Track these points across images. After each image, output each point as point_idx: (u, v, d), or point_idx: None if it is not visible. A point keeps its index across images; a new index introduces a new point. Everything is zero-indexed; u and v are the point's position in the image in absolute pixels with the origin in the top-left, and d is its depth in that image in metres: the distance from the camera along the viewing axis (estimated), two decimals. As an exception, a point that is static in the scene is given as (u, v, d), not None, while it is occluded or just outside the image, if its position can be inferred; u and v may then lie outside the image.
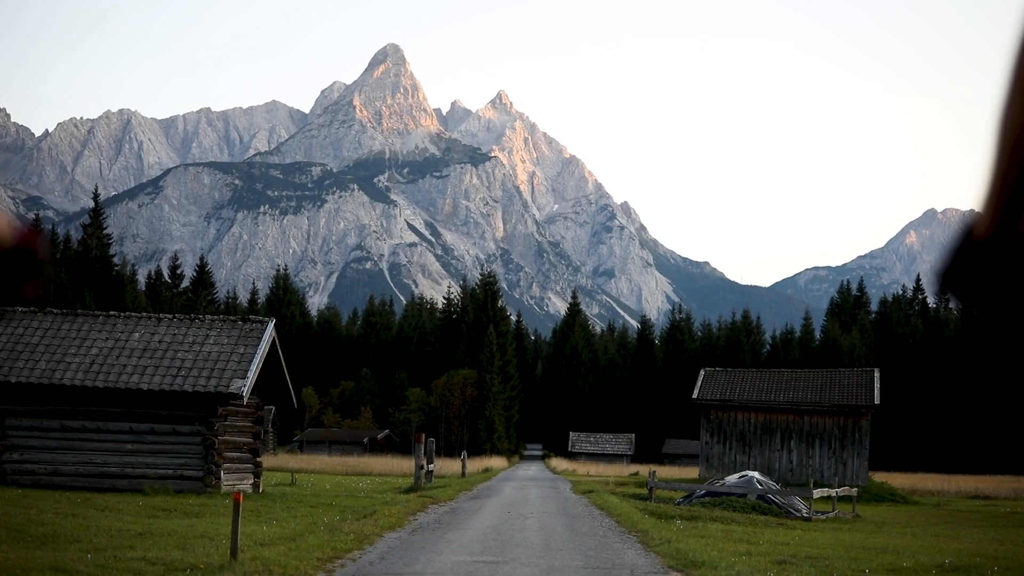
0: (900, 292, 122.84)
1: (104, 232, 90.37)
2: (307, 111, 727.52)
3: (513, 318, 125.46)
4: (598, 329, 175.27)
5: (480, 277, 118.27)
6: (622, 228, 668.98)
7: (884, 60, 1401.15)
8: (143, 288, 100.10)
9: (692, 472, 59.79)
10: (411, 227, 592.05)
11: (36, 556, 11.12)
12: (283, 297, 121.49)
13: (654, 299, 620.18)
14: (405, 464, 57.87)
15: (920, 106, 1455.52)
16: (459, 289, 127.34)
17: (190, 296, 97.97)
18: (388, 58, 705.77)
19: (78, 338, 26.20)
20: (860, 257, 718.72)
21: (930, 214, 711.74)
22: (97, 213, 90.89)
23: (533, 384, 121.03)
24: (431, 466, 34.02)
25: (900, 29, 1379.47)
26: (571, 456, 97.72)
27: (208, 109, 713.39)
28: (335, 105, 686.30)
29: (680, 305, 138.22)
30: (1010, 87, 1.53)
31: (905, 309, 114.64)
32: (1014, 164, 1.48)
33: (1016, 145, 1.49)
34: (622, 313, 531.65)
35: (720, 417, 48.42)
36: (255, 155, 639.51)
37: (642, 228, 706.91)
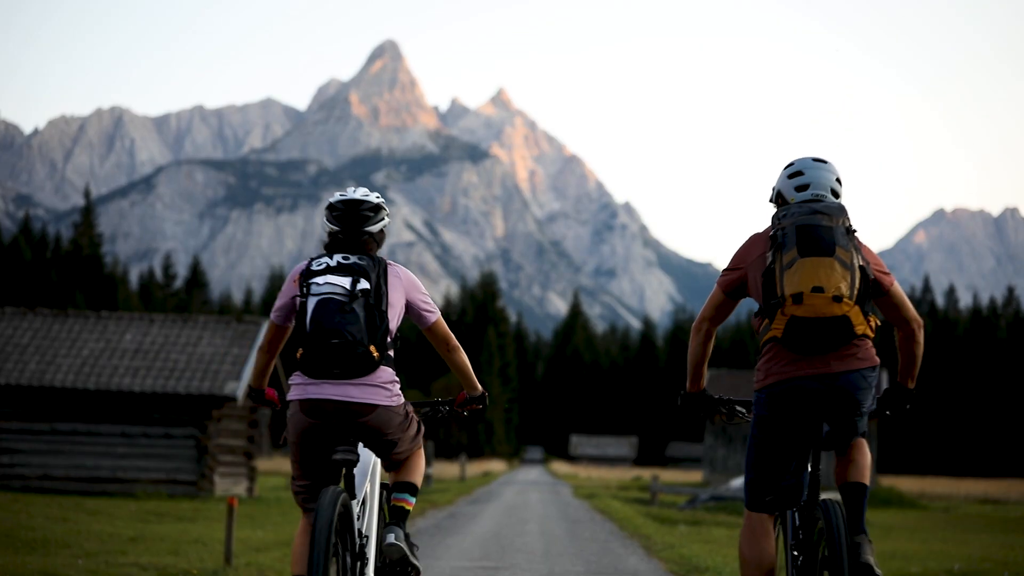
0: (909, 292, 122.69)
1: (95, 231, 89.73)
2: (303, 108, 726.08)
3: (513, 318, 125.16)
4: (600, 329, 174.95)
5: (479, 277, 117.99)
6: (624, 227, 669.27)
7: (886, 60, 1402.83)
8: (135, 288, 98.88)
9: (696, 475, 59.39)
10: (409, 226, 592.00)
11: (26, 561, 10.78)
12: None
13: (657, 299, 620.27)
14: (404, 466, 57.52)
15: (918, 106, 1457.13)
16: (458, 289, 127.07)
17: (183, 296, 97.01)
18: (385, 54, 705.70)
19: (69, 339, 25.86)
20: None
21: (939, 214, 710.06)
22: (88, 211, 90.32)
23: (533, 386, 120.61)
24: (429, 470, 33.76)
25: (901, 31, 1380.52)
26: (572, 459, 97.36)
27: (201, 106, 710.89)
28: (331, 101, 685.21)
29: (683, 305, 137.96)
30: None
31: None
32: (697, 363, 5.08)
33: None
34: (624, 313, 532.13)
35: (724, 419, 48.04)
36: (249, 152, 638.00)
37: (644, 228, 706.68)
